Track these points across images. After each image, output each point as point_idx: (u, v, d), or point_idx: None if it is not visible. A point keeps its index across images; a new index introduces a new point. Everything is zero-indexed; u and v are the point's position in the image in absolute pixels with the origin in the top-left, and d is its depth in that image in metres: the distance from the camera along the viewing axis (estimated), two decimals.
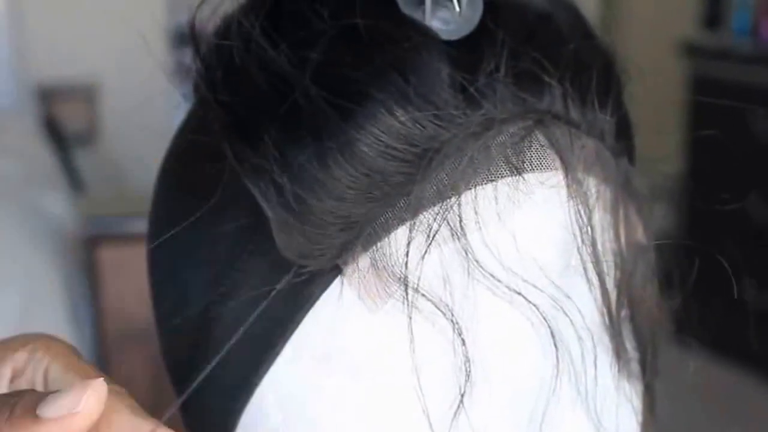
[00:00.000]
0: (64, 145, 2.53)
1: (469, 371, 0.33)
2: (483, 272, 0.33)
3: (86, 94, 2.76)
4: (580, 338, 0.35)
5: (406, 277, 0.33)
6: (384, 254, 0.33)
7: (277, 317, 0.34)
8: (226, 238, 0.35)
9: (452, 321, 0.33)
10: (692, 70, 2.59)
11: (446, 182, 0.33)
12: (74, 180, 2.39)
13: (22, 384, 0.33)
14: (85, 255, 2.00)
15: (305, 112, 0.33)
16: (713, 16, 2.72)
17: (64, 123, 2.70)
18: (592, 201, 0.35)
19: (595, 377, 0.35)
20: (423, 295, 0.33)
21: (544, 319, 0.34)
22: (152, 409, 0.30)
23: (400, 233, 0.33)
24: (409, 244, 0.33)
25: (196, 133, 0.38)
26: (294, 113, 0.33)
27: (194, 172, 0.37)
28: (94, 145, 2.82)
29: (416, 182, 0.33)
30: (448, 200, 0.33)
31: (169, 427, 0.30)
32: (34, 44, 2.73)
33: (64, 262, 1.93)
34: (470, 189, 0.33)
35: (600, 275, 0.35)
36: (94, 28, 2.73)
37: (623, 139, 0.37)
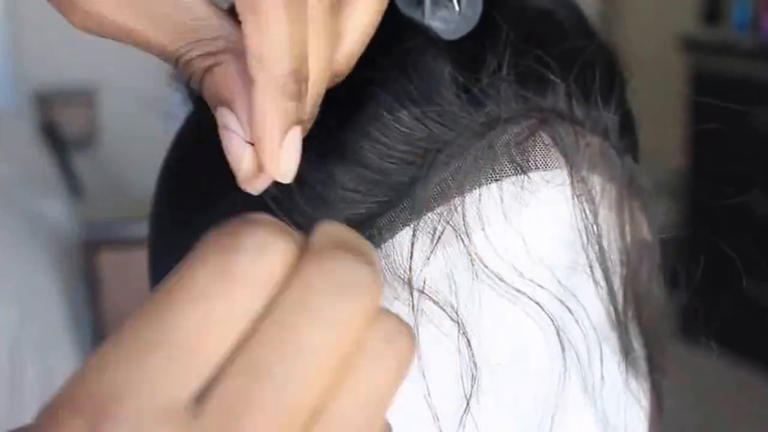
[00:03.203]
0: (63, 150, 2.53)
1: (476, 373, 0.33)
2: (488, 273, 0.33)
3: (85, 99, 2.76)
4: (586, 337, 0.35)
5: (410, 279, 0.32)
6: (388, 256, 0.33)
7: None
8: None
9: (458, 322, 0.33)
10: (692, 65, 2.59)
11: (450, 182, 0.33)
12: (73, 184, 2.39)
13: None
14: (85, 259, 2.00)
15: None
16: (713, 11, 2.72)
17: (63, 127, 2.70)
18: (597, 199, 0.35)
19: (603, 376, 0.35)
20: (428, 296, 0.32)
21: (550, 318, 0.34)
22: None
23: (404, 234, 0.33)
24: (413, 245, 0.32)
25: (197, 137, 0.37)
26: None
27: (195, 175, 0.37)
28: (93, 149, 2.82)
29: (419, 183, 0.32)
30: (453, 200, 0.33)
31: None
32: (32, 48, 2.73)
33: (63, 266, 1.93)
34: (474, 189, 0.33)
35: (606, 273, 0.35)
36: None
37: (627, 137, 0.37)
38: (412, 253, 0.32)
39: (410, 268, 0.32)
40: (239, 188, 0.34)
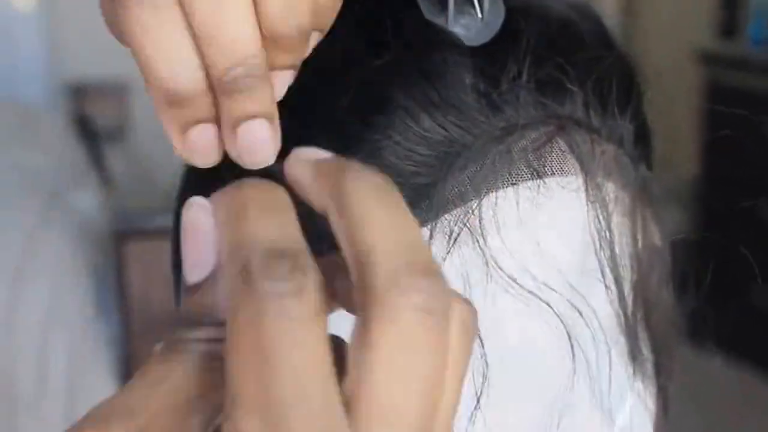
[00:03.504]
0: (94, 142, 2.55)
1: (487, 372, 0.33)
2: (502, 275, 0.33)
3: (118, 91, 2.78)
4: (596, 340, 0.35)
5: None
6: None
7: None
8: None
9: None
10: (708, 79, 2.55)
11: (468, 185, 0.33)
12: (104, 176, 2.41)
13: None
14: (113, 249, 2.02)
15: (329, 117, 0.33)
16: (730, 25, 2.68)
17: (95, 119, 2.72)
18: (610, 206, 0.35)
19: (610, 378, 0.36)
20: None
21: (561, 321, 0.34)
22: None
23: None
24: (429, 245, 0.33)
25: None
26: (318, 117, 0.34)
27: (218, 170, 0.38)
28: (125, 141, 2.84)
29: (438, 185, 0.33)
30: (470, 203, 0.33)
31: None
32: (66, 41, 2.75)
33: (92, 256, 1.95)
34: (491, 192, 0.33)
35: (617, 278, 0.35)
36: None
37: (642, 146, 0.38)
38: None
39: None
40: None
